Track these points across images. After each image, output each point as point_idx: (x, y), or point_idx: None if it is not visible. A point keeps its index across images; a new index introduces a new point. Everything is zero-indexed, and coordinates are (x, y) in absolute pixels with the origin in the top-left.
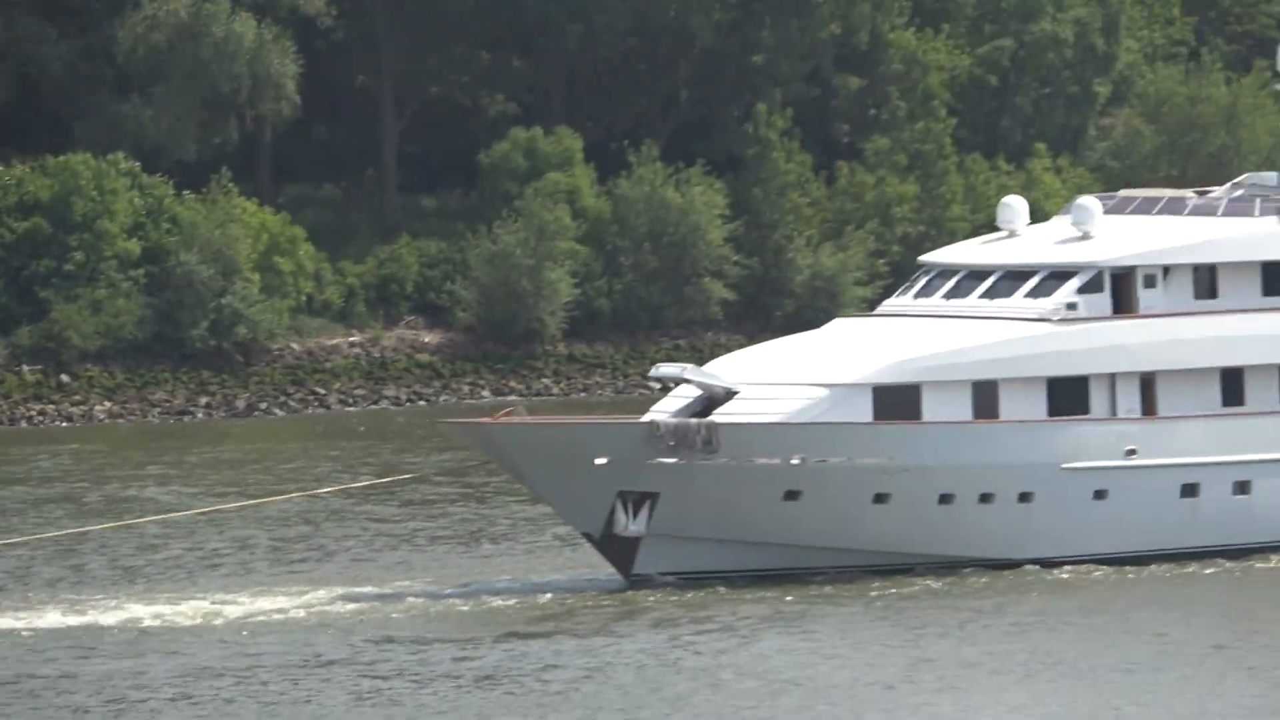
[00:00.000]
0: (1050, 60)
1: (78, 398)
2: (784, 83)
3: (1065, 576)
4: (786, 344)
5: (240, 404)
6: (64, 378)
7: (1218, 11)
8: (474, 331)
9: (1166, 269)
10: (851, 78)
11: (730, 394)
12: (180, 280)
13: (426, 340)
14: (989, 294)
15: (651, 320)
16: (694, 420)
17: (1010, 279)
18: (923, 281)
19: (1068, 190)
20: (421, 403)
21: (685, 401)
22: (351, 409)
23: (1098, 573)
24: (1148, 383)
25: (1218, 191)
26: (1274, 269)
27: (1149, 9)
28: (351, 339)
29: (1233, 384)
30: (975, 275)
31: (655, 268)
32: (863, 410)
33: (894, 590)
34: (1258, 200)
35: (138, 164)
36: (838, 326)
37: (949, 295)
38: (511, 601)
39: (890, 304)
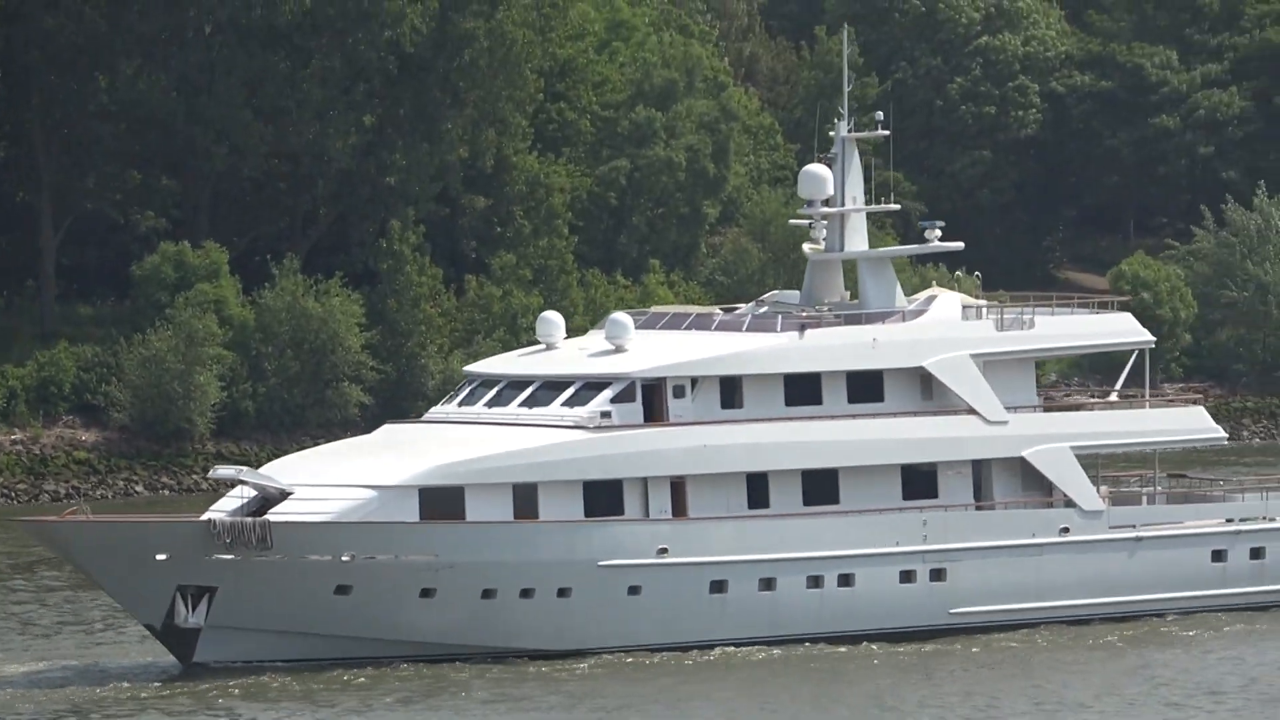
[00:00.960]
0: (664, 182)
1: None
2: (415, 201)
3: (610, 664)
4: (338, 447)
5: None
6: None
7: (819, 140)
8: (128, 430)
9: (694, 380)
10: (478, 198)
11: (284, 494)
12: None
13: (84, 438)
14: (528, 403)
15: (294, 421)
16: (249, 519)
17: (548, 389)
18: (466, 390)
19: (681, 303)
20: (80, 497)
21: (242, 501)
22: (13, 503)
23: (629, 660)
24: (678, 486)
25: (743, 309)
26: (795, 381)
27: (754, 137)
28: (13, 437)
29: (758, 488)
30: (515, 385)
31: (297, 372)
32: (409, 510)
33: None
34: (779, 317)
35: None
36: (387, 431)
37: (491, 403)
38: (85, 687)
39: (436, 411)
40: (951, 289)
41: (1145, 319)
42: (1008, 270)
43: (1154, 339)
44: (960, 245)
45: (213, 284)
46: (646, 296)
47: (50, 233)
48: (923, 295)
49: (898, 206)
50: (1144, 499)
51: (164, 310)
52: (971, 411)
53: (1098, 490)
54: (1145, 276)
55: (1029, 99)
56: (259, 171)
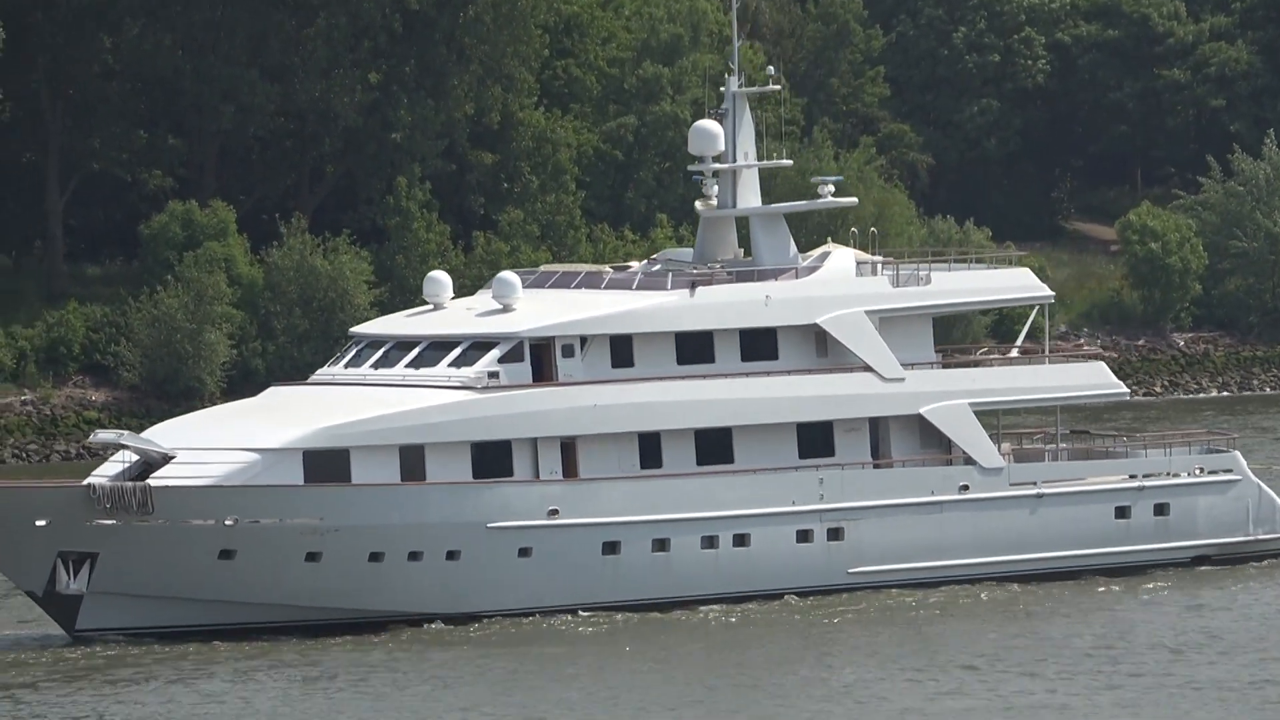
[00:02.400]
0: (670, 137)
1: None
2: (422, 158)
3: (502, 629)
4: (222, 411)
5: None
6: None
7: (825, 93)
8: (138, 390)
9: (584, 339)
10: (485, 154)
11: (167, 458)
12: None
13: (94, 398)
14: (415, 363)
15: (303, 378)
16: (129, 484)
17: (435, 349)
18: (353, 352)
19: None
20: (92, 457)
21: (125, 465)
22: (24, 463)
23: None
24: (569, 447)
25: (635, 266)
26: (686, 339)
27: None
28: (23, 398)
29: (650, 448)
30: (402, 346)
31: (306, 330)
32: (294, 473)
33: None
34: (670, 274)
35: None
36: (272, 394)
37: (377, 364)
38: None
39: (322, 373)
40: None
41: (1155, 269)
42: (1015, 221)
43: (1052, 294)
44: (854, 201)
45: (221, 243)
46: (654, 250)
47: (57, 193)
48: (816, 252)
49: (789, 162)
50: (1046, 456)
51: (172, 269)
52: (867, 369)
53: (999, 447)
54: (1154, 227)
55: (1034, 50)
56: (265, 130)
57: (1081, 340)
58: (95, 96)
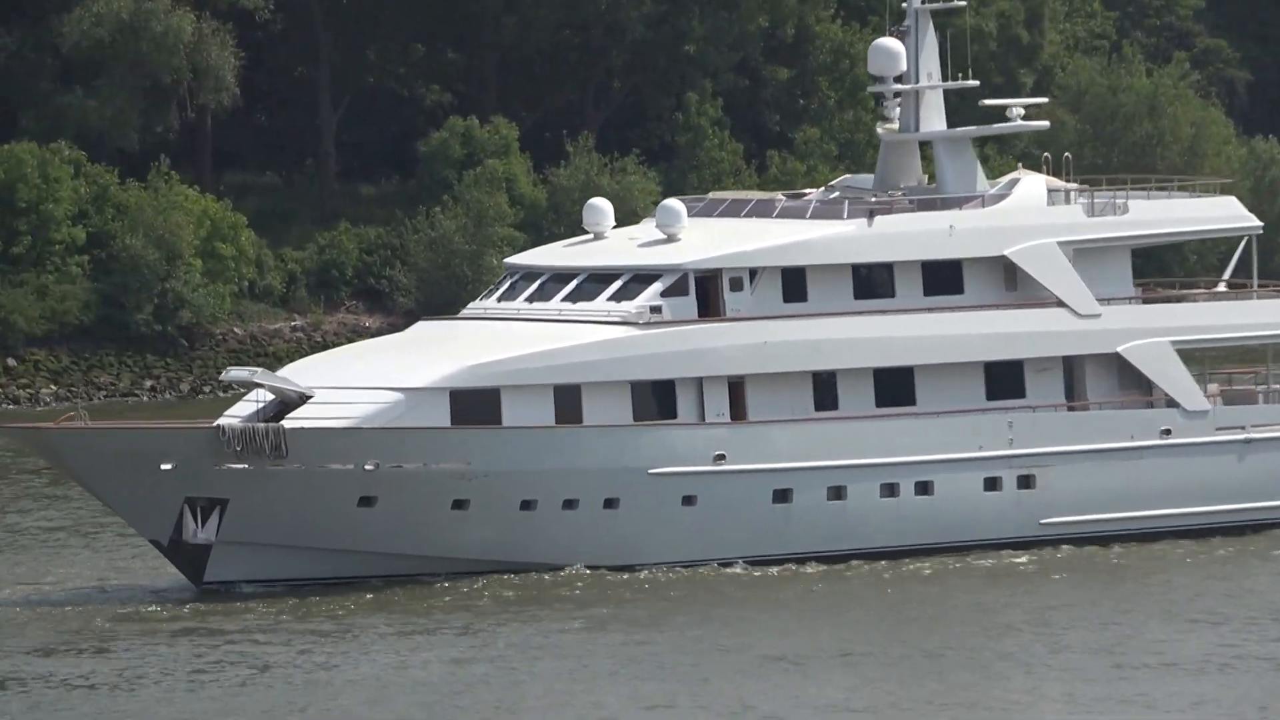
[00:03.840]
0: (975, 51)
1: (24, 380)
2: (714, 73)
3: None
4: (365, 347)
5: (184, 387)
6: (10, 361)
7: (1136, 5)
8: (414, 315)
9: (753, 272)
10: (780, 69)
11: (304, 398)
12: (125, 265)
13: (367, 324)
14: (572, 297)
15: None
16: (261, 425)
17: (594, 282)
18: (507, 284)
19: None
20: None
21: (259, 406)
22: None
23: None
24: (736, 387)
25: (810, 194)
26: (863, 272)
27: (1070, 3)
28: (293, 323)
29: (825, 388)
30: (559, 278)
31: None
32: (440, 415)
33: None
34: (846, 203)
35: (82, 152)
36: (419, 329)
37: (532, 298)
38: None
39: (474, 307)
40: None
41: None
42: None
43: (1260, 225)
44: (1045, 125)
45: (502, 161)
46: None
47: (330, 109)
48: (1005, 179)
49: (976, 83)
50: (1259, 398)
51: (451, 189)
52: (1060, 304)
53: (1206, 388)
54: None
55: None
56: (549, 43)
57: None
58: (370, 8)
